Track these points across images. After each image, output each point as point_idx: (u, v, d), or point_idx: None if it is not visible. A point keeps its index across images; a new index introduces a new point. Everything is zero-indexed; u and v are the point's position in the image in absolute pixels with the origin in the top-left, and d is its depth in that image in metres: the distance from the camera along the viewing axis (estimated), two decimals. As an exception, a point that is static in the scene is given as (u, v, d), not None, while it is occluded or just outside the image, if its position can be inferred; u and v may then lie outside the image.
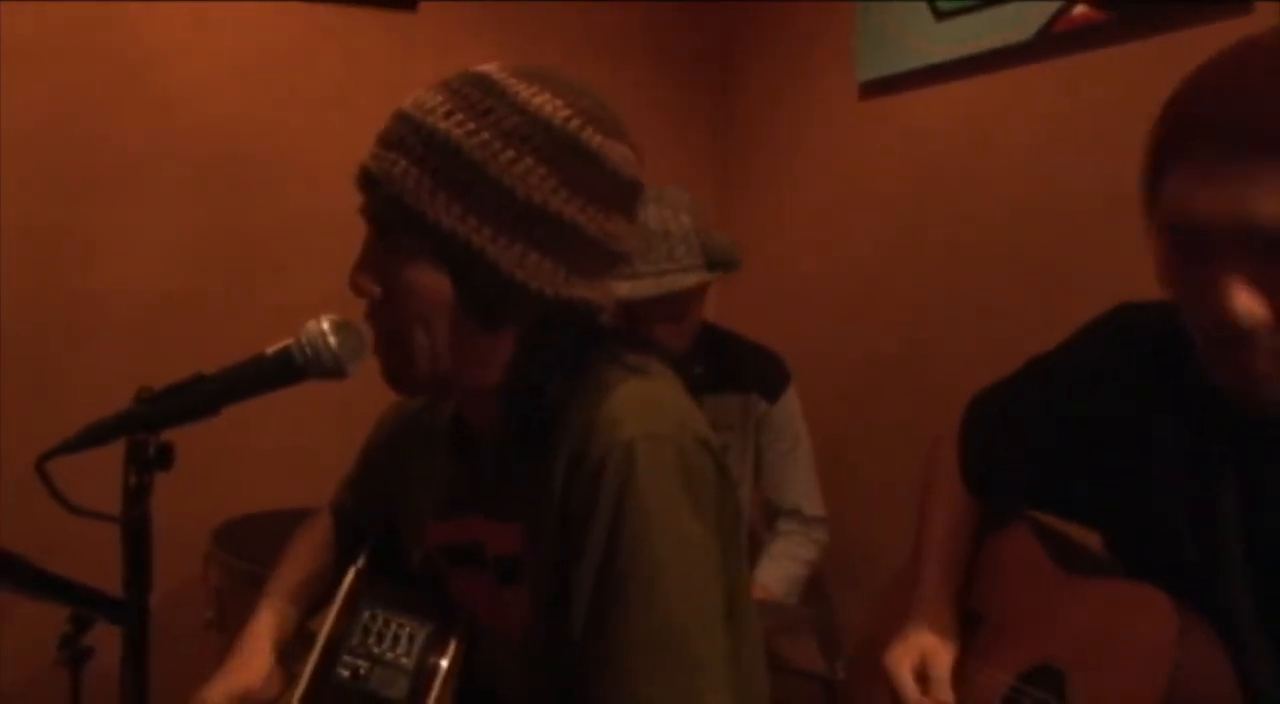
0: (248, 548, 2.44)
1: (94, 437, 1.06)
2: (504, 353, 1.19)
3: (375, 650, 1.27)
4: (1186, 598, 1.13)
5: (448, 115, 1.12)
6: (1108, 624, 1.20)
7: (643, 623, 1.08)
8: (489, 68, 1.17)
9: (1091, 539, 1.34)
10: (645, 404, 1.15)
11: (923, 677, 1.36)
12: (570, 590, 1.13)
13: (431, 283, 1.14)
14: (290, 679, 1.33)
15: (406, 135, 1.13)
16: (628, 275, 2.14)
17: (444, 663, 1.25)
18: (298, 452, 2.92)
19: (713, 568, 1.13)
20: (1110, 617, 1.20)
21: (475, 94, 1.14)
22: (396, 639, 1.27)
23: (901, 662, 1.37)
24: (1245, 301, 0.96)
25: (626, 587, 1.09)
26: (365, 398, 1.45)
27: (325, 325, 1.11)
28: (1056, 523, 1.44)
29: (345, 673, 1.26)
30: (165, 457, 1.06)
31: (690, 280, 2.19)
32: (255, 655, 1.38)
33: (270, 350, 1.12)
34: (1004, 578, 1.42)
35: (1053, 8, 2.34)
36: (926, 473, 1.55)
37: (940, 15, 2.65)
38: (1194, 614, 1.11)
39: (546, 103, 1.14)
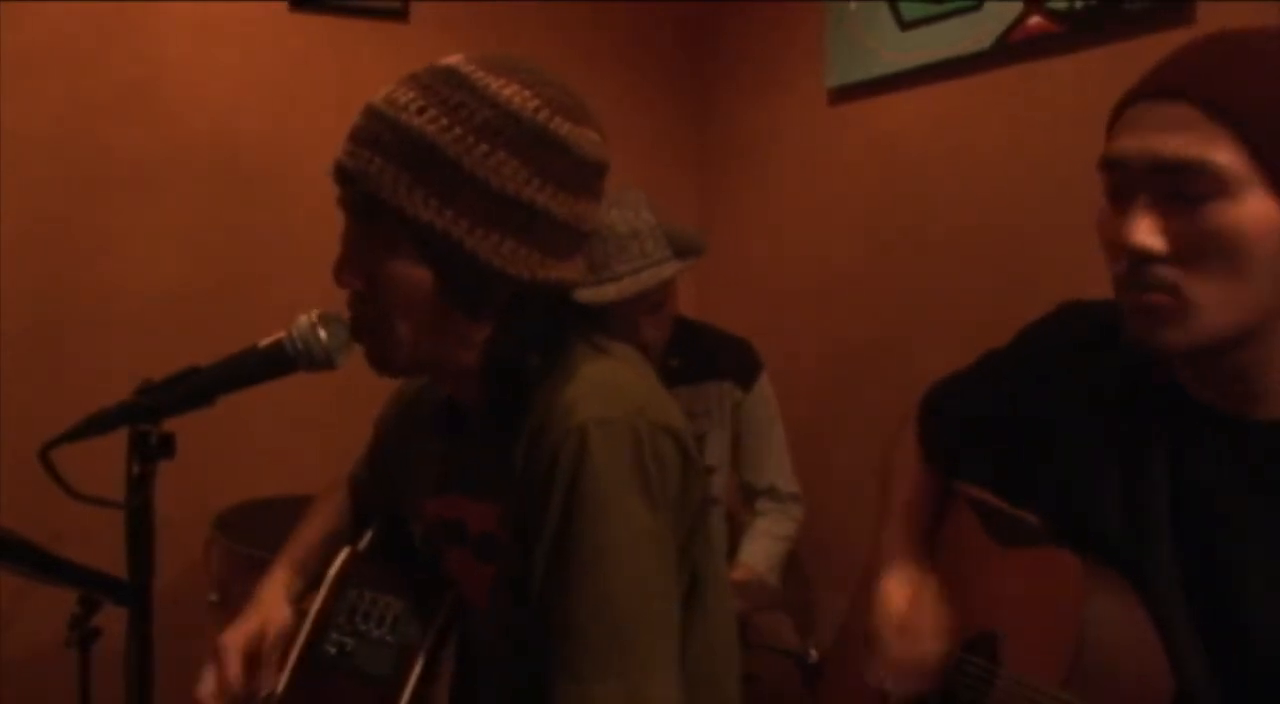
0: (248, 534, 2.43)
1: (94, 426, 1.06)
2: (484, 335, 1.18)
3: (361, 628, 1.26)
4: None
5: (421, 111, 1.11)
6: (1029, 589, 1.22)
7: (585, 603, 1.07)
8: (455, 61, 1.16)
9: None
10: (603, 387, 1.14)
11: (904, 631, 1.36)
12: (529, 569, 1.13)
13: (413, 274, 1.13)
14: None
15: (381, 132, 1.12)
16: (608, 278, 2.15)
17: (427, 640, 1.25)
18: (296, 441, 2.93)
19: (663, 555, 1.12)
20: (1031, 582, 1.22)
21: (445, 89, 1.12)
22: (382, 617, 1.27)
23: (883, 624, 1.35)
24: (1144, 231, 1.02)
25: (573, 569, 1.08)
26: (362, 388, 1.45)
27: (314, 319, 1.12)
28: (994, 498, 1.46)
29: (332, 650, 1.25)
30: (167, 446, 1.06)
31: (667, 272, 2.21)
32: (271, 602, 1.37)
33: (263, 343, 1.12)
34: (946, 555, 1.43)
35: (1009, 18, 2.36)
36: (886, 456, 1.56)
37: (905, 25, 2.67)
38: (1109, 574, 1.13)
39: (515, 95, 1.13)
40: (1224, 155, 0.98)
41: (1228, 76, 1.00)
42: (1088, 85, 2.22)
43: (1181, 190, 1.00)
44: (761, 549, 2.51)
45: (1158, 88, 1.03)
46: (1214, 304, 1.01)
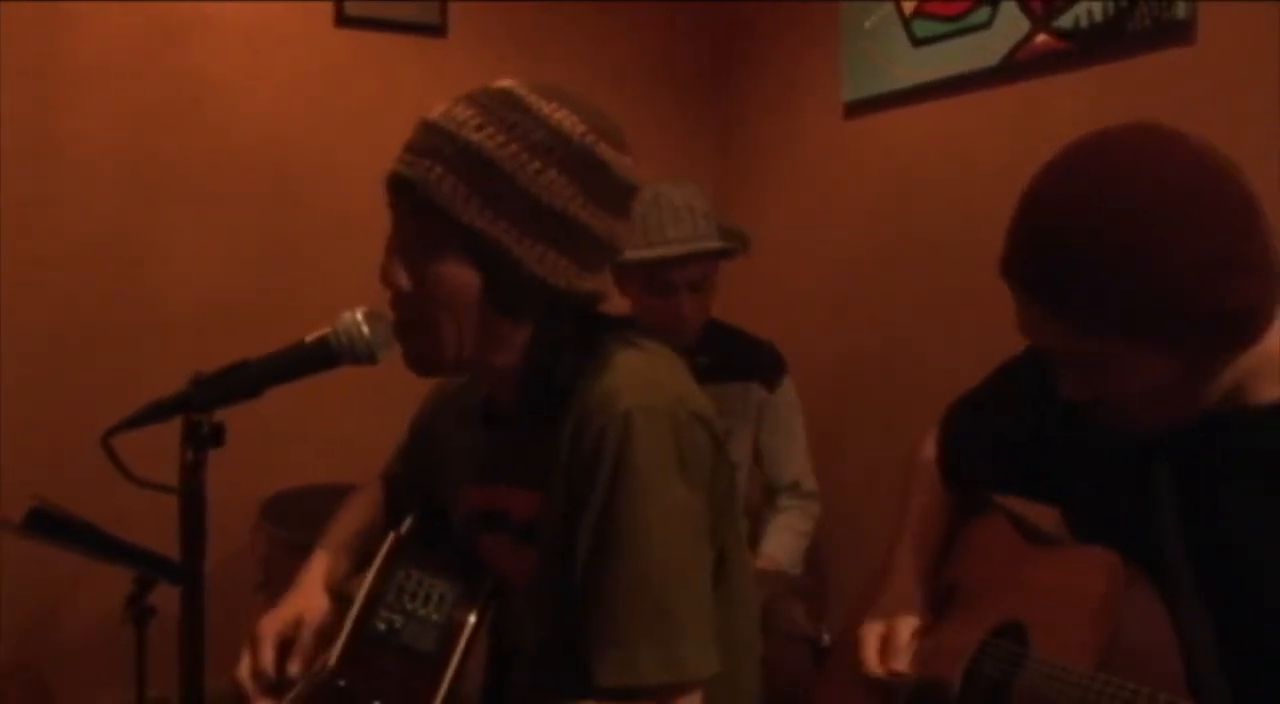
0: (291, 520, 2.46)
1: (151, 415, 1.08)
2: (521, 338, 1.22)
3: (409, 607, 1.28)
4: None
5: (479, 128, 1.14)
6: (1065, 582, 1.22)
7: (627, 574, 1.11)
8: (510, 84, 1.20)
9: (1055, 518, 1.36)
10: (642, 379, 1.18)
11: (888, 644, 1.36)
12: (572, 546, 1.16)
13: (461, 277, 1.16)
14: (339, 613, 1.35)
15: (441, 145, 1.15)
16: (659, 242, 2.17)
17: (470, 619, 1.27)
18: (339, 433, 2.95)
19: (699, 532, 1.16)
20: (1068, 575, 1.22)
21: (502, 109, 1.16)
22: (428, 597, 1.28)
23: (870, 632, 1.37)
24: (1071, 390, 1.10)
25: (616, 543, 1.12)
26: (401, 383, 1.46)
27: (359, 316, 1.13)
28: (1024, 509, 1.46)
29: (381, 626, 1.27)
30: (218, 435, 1.08)
31: (716, 244, 2.24)
32: (309, 591, 1.39)
33: (309, 338, 1.13)
34: (978, 553, 1.43)
35: (1017, 37, 2.35)
36: (906, 469, 1.56)
37: (917, 42, 2.67)
38: (1140, 573, 1.13)
39: (566, 118, 1.16)
40: (1085, 345, 1.03)
41: (1051, 274, 1.03)
42: (1092, 101, 2.21)
43: (1079, 361, 1.06)
44: (783, 543, 2.50)
45: (1010, 273, 1.08)
46: (1164, 412, 1.08)
